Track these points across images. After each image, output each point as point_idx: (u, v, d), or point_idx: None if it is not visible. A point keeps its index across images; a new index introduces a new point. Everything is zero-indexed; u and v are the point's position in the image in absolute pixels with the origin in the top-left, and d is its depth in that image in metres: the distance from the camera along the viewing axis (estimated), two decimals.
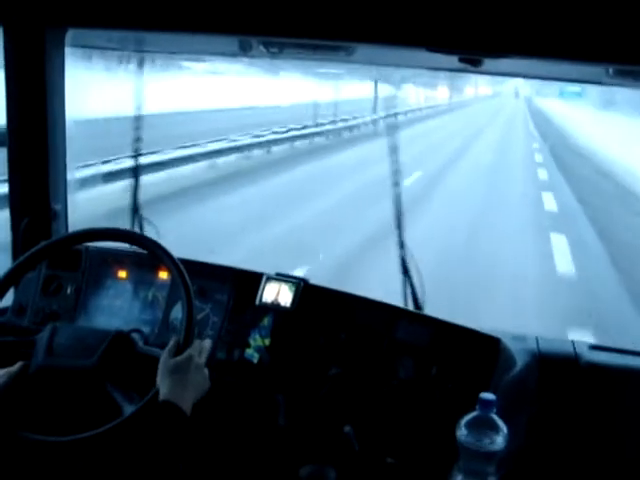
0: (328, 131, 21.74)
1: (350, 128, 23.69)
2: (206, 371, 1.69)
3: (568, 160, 19.29)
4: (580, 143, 23.86)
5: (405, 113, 31.28)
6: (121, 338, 1.75)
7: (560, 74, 2.12)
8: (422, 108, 36.93)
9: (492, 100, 60.82)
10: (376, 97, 25.86)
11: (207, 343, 1.75)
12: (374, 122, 24.07)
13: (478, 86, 60.00)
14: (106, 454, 1.71)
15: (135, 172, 2.50)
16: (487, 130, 29.04)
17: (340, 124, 23.29)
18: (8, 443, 1.61)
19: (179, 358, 1.64)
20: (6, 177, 2.19)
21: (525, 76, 2.27)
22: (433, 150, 19.91)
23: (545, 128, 30.98)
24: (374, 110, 25.45)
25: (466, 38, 1.58)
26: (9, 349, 1.77)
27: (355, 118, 24.83)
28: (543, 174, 16.66)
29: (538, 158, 20.18)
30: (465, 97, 57.77)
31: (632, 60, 1.52)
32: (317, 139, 20.16)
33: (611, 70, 1.70)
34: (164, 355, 1.66)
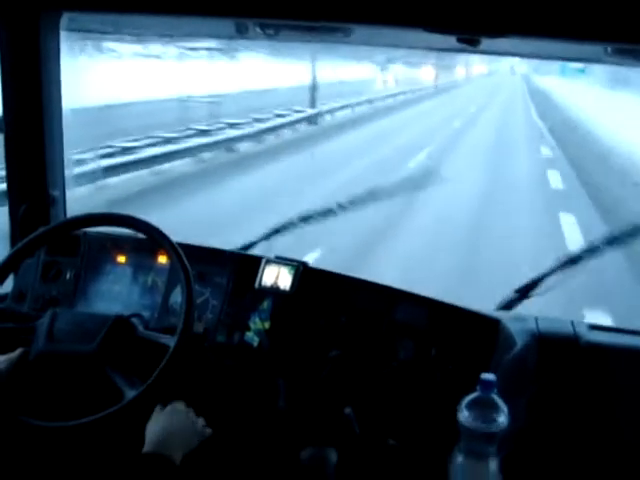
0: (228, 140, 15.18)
1: (274, 129, 17.80)
2: (201, 420, 1.66)
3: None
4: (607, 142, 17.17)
5: (368, 101, 27.46)
6: (121, 323, 1.76)
7: (559, 53, 2.11)
8: (396, 94, 32.29)
9: (487, 79, 57.84)
10: (314, 85, 21.90)
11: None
12: (310, 119, 20.28)
13: (471, 65, 57.34)
14: (108, 439, 1.72)
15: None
16: (476, 123, 23.18)
17: (259, 125, 17.38)
18: (10, 429, 1.62)
19: (165, 411, 1.61)
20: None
21: (523, 55, 2.26)
22: (385, 168, 12.19)
23: (553, 118, 23.79)
24: (312, 103, 21.62)
25: (464, 18, 1.57)
26: (9, 335, 1.77)
27: (286, 114, 19.89)
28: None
29: (554, 180, 12.82)
30: (456, 77, 54.43)
31: (631, 39, 1.51)
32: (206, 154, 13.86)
33: (610, 49, 1.69)
34: (153, 414, 1.62)
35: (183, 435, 1.58)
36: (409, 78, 41.62)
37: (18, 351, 1.66)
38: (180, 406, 1.63)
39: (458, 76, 55.74)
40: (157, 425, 1.57)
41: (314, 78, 21.88)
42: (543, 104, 30.69)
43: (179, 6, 1.75)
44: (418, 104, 31.86)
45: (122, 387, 1.65)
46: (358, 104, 26.19)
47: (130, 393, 1.63)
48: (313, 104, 21.71)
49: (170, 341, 1.70)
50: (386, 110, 27.14)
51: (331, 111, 23.03)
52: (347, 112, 24.55)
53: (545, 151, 17.03)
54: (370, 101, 28.42)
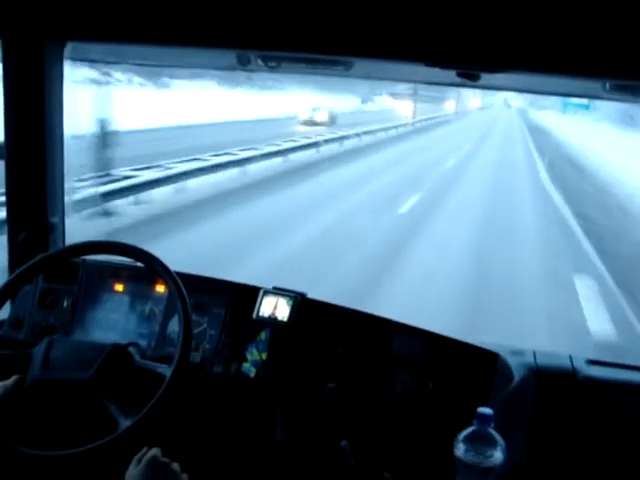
0: None
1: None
2: (176, 465, 1.57)
3: None
4: None
5: (334, 140, 22.47)
6: (118, 351, 1.75)
7: (557, 89, 2.13)
8: (359, 134, 25.41)
9: (480, 115, 54.48)
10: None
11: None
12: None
13: (463, 97, 53.78)
14: (102, 468, 1.70)
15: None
16: (462, 180, 16.50)
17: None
18: (4, 457, 1.61)
19: (142, 465, 1.53)
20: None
21: (522, 91, 2.28)
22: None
23: (563, 173, 17.91)
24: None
25: (464, 53, 1.59)
26: (5, 362, 1.76)
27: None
28: None
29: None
30: (445, 111, 51.05)
31: (629, 75, 1.52)
32: None
33: (608, 85, 1.70)
34: (131, 465, 1.55)
35: None
36: (383, 111, 39.07)
37: (13, 378, 1.66)
38: (159, 457, 1.55)
39: (447, 110, 52.24)
40: None
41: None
42: (548, 150, 24.32)
43: (182, 37, 1.77)
44: (394, 145, 25.32)
45: (117, 416, 1.64)
46: (342, 138, 23.49)
47: (125, 423, 1.62)
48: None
49: (167, 371, 1.69)
50: (367, 148, 23.40)
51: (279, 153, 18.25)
52: (351, 143, 23.54)
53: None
54: (357, 135, 25.20)
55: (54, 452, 1.60)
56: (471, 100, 60.52)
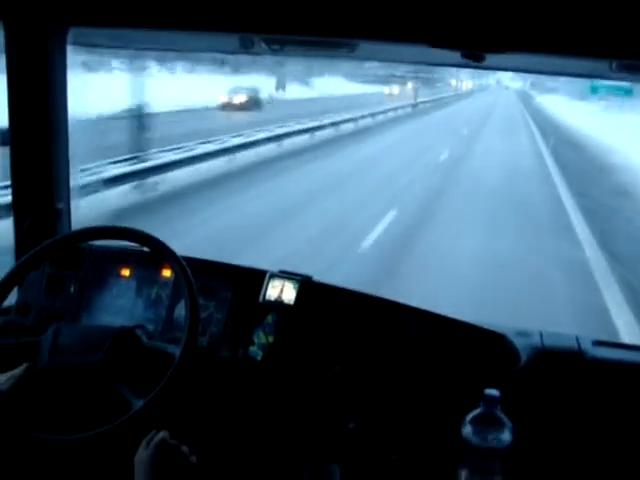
0: None
1: None
2: (185, 448, 1.56)
3: None
4: None
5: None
6: (126, 334, 1.76)
7: (563, 69, 2.12)
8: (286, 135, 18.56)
9: (468, 101, 47.55)
10: None
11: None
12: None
13: (458, 79, 52.56)
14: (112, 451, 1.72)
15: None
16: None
17: None
18: (21, 445, 1.62)
19: (151, 448, 1.52)
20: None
21: (527, 71, 2.27)
22: None
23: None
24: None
25: (469, 34, 1.58)
26: (14, 351, 1.77)
27: None
28: None
29: None
30: (439, 93, 46.35)
31: (636, 55, 1.51)
32: None
33: (615, 64, 1.69)
34: (140, 448, 1.54)
35: (175, 475, 1.52)
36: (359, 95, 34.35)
37: (23, 366, 1.66)
38: (167, 440, 1.55)
39: (443, 92, 48.25)
40: (146, 465, 1.51)
41: None
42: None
43: (185, 22, 1.76)
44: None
45: (129, 397, 1.65)
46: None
47: (138, 403, 1.63)
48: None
49: (176, 350, 1.70)
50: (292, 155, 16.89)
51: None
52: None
53: None
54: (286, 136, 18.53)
55: (70, 436, 1.61)
56: (455, 81, 56.39)
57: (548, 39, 1.52)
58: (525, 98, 46.55)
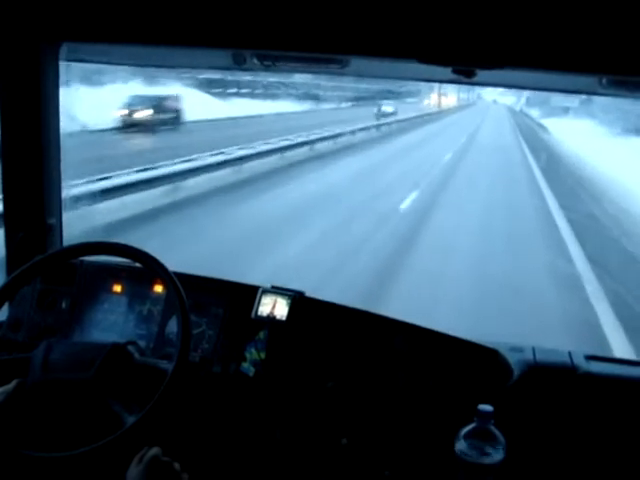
0: None
1: None
2: (177, 465, 1.57)
3: None
4: None
5: None
6: (117, 350, 1.75)
7: (553, 84, 2.13)
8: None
9: (443, 127, 34.09)
10: None
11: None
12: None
13: (423, 95, 44.98)
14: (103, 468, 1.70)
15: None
16: None
17: None
18: (10, 461, 1.60)
19: (142, 465, 1.53)
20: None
21: (519, 87, 2.28)
22: None
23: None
24: None
25: (460, 50, 1.58)
26: (5, 366, 1.76)
27: None
28: None
29: None
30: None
31: (626, 70, 1.53)
32: None
33: (604, 80, 1.70)
34: (132, 464, 1.55)
35: None
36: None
37: (14, 382, 1.65)
38: (159, 456, 1.56)
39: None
40: None
41: None
42: None
43: (177, 38, 1.76)
44: None
45: (121, 414, 1.64)
46: None
47: (130, 419, 1.62)
48: None
49: (168, 366, 1.69)
50: None
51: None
52: None
53: None
54: None
55: (61, 453, 1.60)
56: (435, 96, 47.72)
57: (538, 55, 1.53)
58: (515, 116, 36.41)
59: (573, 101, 21.14)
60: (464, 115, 45.35)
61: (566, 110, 27.52)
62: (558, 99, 21.50)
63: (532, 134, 30.25)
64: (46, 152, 2.14)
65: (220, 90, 28.70)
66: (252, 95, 30.88)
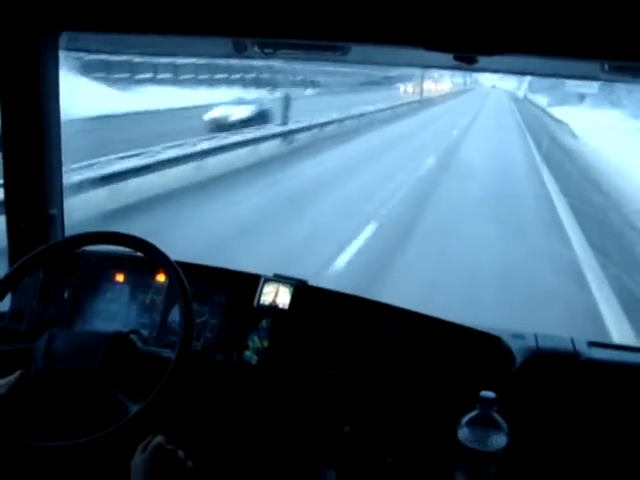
0: None
1: None
2: (181, 453, 1.57)
3: None
4: None
5: None
6: (120, 339, 1.75)
7: (555, 70, 2.12)
8: None
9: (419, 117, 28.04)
10: None
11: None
12: None
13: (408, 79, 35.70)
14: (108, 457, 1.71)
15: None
16: None
17: None
18: (15, 452, 1.61)
19: (147, 453, 1.53)
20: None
21: (520, 73, 2.28)
22: None
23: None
24: None
25: (461, 37, 1.58)
26: (7, 357, 1.76)
27: None
28: None
29: None
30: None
31: (628, 56, 1.52)
32: None
33: (607, 66, 1.69)
34: (136, 453, 1.55)
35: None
36: None
37: (17, 373, 1.65)
38: (163, 445, 1.56)
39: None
40: (142, 470, 1.51)
41: None
42: None
43: (177, 26, 1.75)
44: None
45: (125, 403, 1.64)
46: None
47: (134, 408, 1.63)
48: None
49: (171, 355, 1.70)
50: None
51: None
52: None
53: None
54: None
55: (66, 442, 1.61)
56: (429, 84, 39.44)
57: (540, 41, 1.53)
58: (535, 122, 25.70)
59: (591, 86, 15.12)
60: (452, 107, 35.78)
61: (581, 97, 21.85)
62: (572, 84, 14.93)
63: (551, 140, 20.23)
64: (47, 142, 2.14)
65: (124, 75, 21.39)
66: (175, 81, 23.91)
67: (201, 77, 24.68)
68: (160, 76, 23.40)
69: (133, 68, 22.11)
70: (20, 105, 2.08)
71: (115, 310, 2.09)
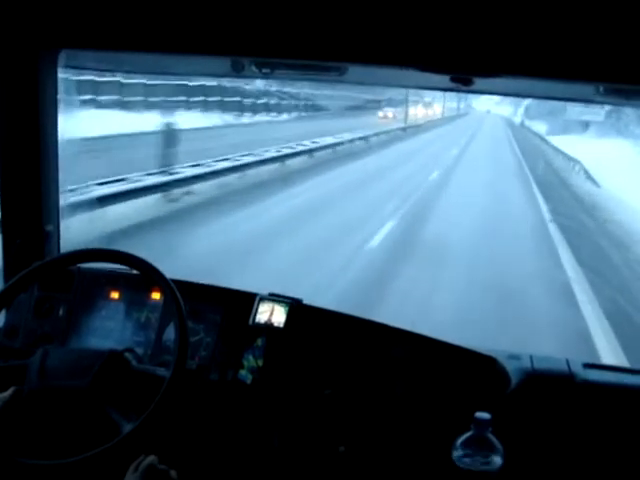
0: None
1: None
2: (173, 473, 1.57)
3: None
4: None
5: None
6: (115, 357, 1.74)
7: (551, 92, 2.14)
8: None
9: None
10: None
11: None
12: None
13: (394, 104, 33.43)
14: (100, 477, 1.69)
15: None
16: None
17: None
18: (7, 469, 1.60)
19: (139, 473, 1.53)
20: None
21: (516, 95, 2.29)
22: None
23: None
24: None
25: (458, 58, 1.59)
26: (1, 374, 1.75)
27: None
28: None
29: None
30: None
31: (623, 79, 1.53)
32: None
33: (602, 88, 1.71)
34: (128, 472, 1.55)
35: None
36: None
37: (11, 390, 1.65)
38: (156, 464, 1.56)
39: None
40: None
41: None
42: None
43: (176, 45, 1.76)
44: None
45: (118, 421, 1.64)
46: None
47: (127, 427, 1.62)
48: None
49: (165, 373, 1.69)
50: None
51: None
52: None
53: None
54: None
55: (57, 461, 1.60)
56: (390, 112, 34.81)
57: (537, 63, 1.54)
58: (538, 158, 20.52)
59: (596, 113, 12.29)
60: (441, 135, 31.53)
61: (585, 125, 19.41)
62: (575, 110, 11.91)
63: (563, 187, 16.22)
64: (44, 159, 2.14)
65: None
66: (121, 104, 21.50)
67: (152, 99, 21.39)
68: (102, 98, 20.84)
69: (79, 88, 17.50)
70: (18, 121, 2.08)
71: (110, 328, 2.09)
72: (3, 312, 1.97)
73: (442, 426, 1.81)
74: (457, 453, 1.49)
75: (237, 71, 1.99)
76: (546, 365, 1.98)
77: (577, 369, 1.96)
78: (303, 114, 30.29)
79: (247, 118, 24.28)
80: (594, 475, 1.87)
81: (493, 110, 37.01)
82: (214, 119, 23.17)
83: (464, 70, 1.68)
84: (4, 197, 2.16)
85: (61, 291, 2.11)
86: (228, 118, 23.79)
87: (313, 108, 31.47)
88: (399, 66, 1.72)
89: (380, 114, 34.74)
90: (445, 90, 2.10)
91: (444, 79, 1.75)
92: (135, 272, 1.88)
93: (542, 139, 25.32)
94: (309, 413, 1.95)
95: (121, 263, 1.88)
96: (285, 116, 28.39)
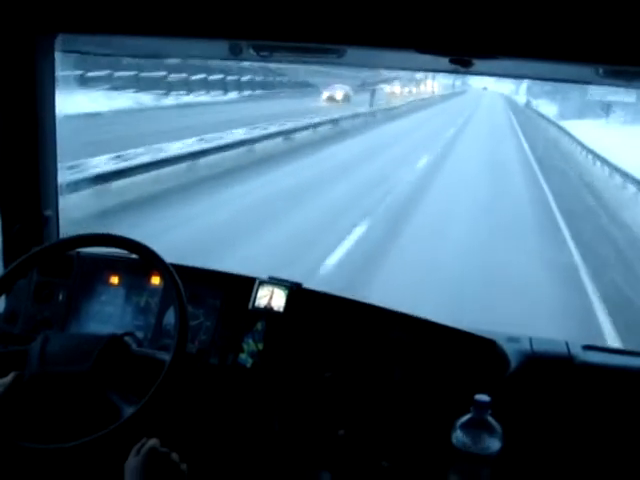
0: None
1: None
2: (175, 455, 1.56)
3: None
4: None
5: None
6: (115, 341, 1.75)
7: (550, 74, 2.13)
8: None
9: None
10: None
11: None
12: None
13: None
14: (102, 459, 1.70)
15: None
16: None
17: None
18: (9, 454, 1.60)
19: (141, 456, 1.52)
20: None
21: (515, 76, 2.28)
22: None
23: None
24: None
25: (457, 40, 1.58)
26: (1, 359, 1.76)
27: None
28: None
29: None
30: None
31: (623, 60, 1.52)
32: None
33: (601, 70, 1.70)
34: (130, 455, 1.55)
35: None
36: None
37: (11, 375, 1.65)
38: (157, 448, 1.55)
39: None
40: (136, 473, 1.50)
41: None
42: None
43: (173, 28, 1.75)
44: None
45: (119, 405, 1.64)
46: None
47: (128, 410, 1.62)
48: None
49: (166, 357, 1.69)
50: None
51: None
52: None
53: None
54: None
55: (58, 445, 1.60)
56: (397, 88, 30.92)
57: (536, 44, 1.53)
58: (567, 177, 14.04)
59: (626, 94, 9.28)
60: (423, 121, 26.01)
61: (607, 108, 15.35)
62: (598, 91, 9.41)
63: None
64: (42, 144, 2.13)
65: None
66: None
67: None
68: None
69: None
70: (16, 106, 2.07)
71: (110, 312, 2.09)
72: (3, 298, 1.97)
73: (442, 408, 1.81)
74: (457, 435, 1.50)
75: (235, 54, 1.98)
76: (545, 347, 1.98)
77: (576, 351, 1.96)
78: (262, 92, 25.75)
79: (172, 98, 19.78)
80: (593, 457, 1.87)
81: (491, 87, 32.80)
82: (122, 100, 17.74)
83: (463, 52, 1.66)
84: (3, 182, 2.16)
85: (60, 276, 2.11)
86: (145, 99, 18.97)
87: (261, 84, 26.08)
88: (398, 48, 1.71)
89: (325, 94, 26.73)
90: (445, 72, 2.09)
91: (443, 61, 1.74)
92: (134, 256, 1.88)
93: (563, 131, 17.88)
94: (309, 396, 1.96)
95: (120, 248, 1.88)
96: (233, 95, 23.89)
